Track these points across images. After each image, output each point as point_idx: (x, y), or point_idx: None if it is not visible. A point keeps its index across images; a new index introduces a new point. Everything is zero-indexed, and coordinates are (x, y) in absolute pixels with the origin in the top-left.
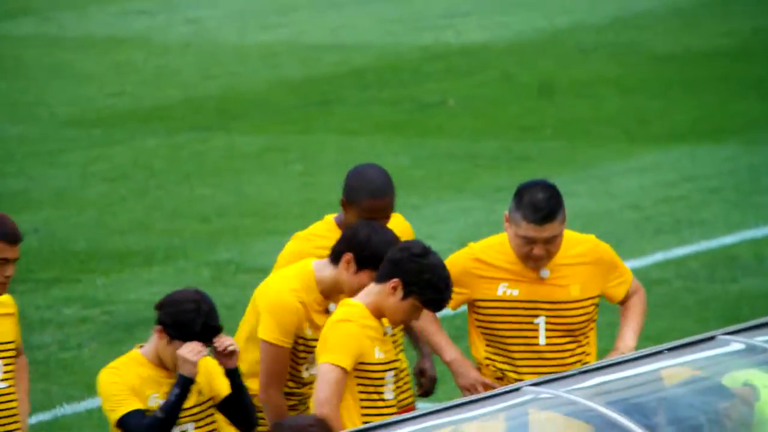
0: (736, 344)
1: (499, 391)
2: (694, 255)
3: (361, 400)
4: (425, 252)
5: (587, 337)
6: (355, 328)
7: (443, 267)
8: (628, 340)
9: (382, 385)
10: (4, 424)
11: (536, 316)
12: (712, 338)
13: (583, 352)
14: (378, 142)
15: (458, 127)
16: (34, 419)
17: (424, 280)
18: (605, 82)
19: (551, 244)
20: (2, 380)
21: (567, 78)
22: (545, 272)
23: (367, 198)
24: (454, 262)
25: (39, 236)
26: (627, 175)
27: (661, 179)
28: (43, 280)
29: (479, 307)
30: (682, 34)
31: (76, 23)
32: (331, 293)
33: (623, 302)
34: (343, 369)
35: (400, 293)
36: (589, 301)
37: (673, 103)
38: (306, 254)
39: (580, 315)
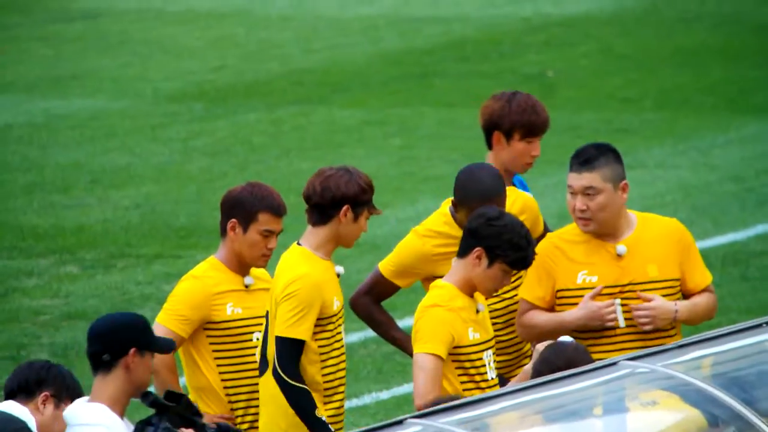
0: None
1: (596, 366)
2: None
3: (463, 383)
4: (500, 214)
5: (673, 327)
6: (444, 312)
7: (521, 225)
8: (680, 303)
9: (483, 366)
10: None
11: (613, 300)
12: None
13: (667, 337)
14: (477, 114)
15: (559, 99)
16: None
17: (505, 242)
18: (706, 52)
19: (590, 199)
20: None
21: (668, 48)
22: (622, 248)
23: (477, 201)
24: (540, 256)
25: (140, 211)
26: (728, 147)
27: (762, 150)
28: (143, 256)
29: (560, 297)
30: None
31: None
32: None
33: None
34: (438, 357)
35: (485, 261)
36: (669, 283)
37: None
38: (424, 255)
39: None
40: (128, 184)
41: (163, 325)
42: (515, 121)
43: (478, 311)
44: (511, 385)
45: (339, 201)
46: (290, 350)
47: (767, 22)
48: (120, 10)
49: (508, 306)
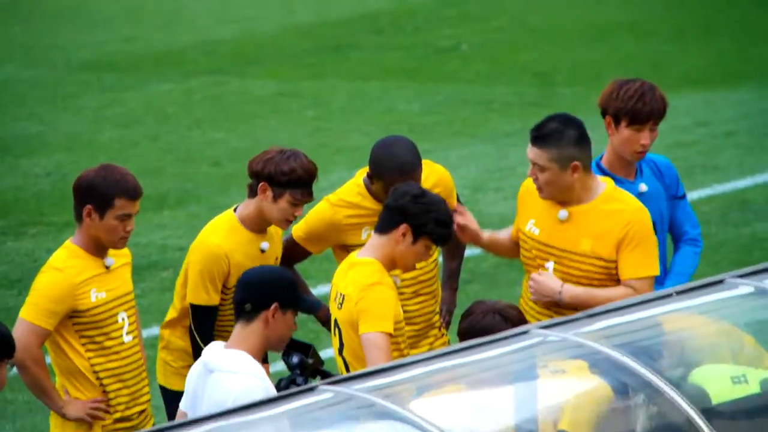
0: (745, 287)
1: (508, 334)
2: (706, 199)
3: (396, 358)
4: (423, 191)
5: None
6: (387, 289)
7: (443, 201)
8: (568, 287)
9: (405, 339)
10: (133, 377)
11: (547, 260)
12: (720, 281)
13: None
14: (391, 87)
15: (471, 73)
16: None
17: (431, 219)
18: (618, 27)
19: (540, 171)
20: (127, 333)
21: (580, 23)
22: (563, 213)
23: (393, 175)
24: (520, 191)
25: (51, 179)
26: None
27: (674, 124)
28: (54, 224)
29: (518, 237)
30: None
31: None
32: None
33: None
34: (390, 335)
35: (409, 238)
36: (601, 262)
37: (687, 48)
38: (335, 224)
39: (589, 272)
40: (39, 152)
41: (28, 320)
42: (620, 107)
43: (396, 285)
44: (423, 353)
45: (255, 177)
46: (194, 313)
47: None
48: None
49: (417, 276)
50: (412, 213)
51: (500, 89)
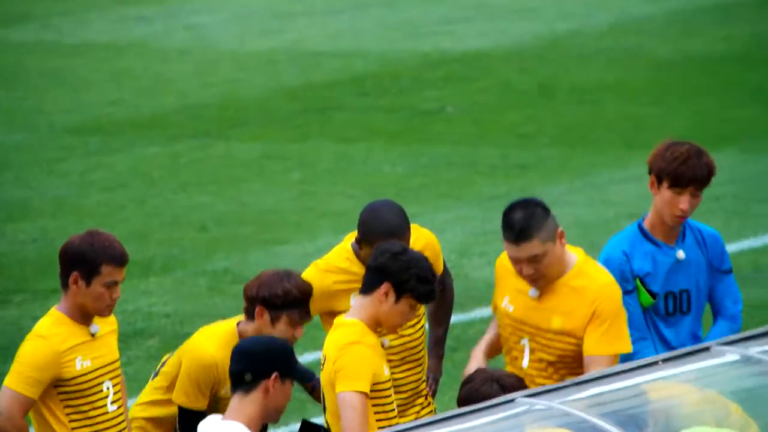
0: (731, 355)
1: (494, 403)
2: None
3: (379, 420)
4: (404, 249)
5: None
6: (365, 349)
7: (425, 258)
8: None
9: (392, 402)
10: None
11: (522, 337)
12: (707, 349)
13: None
14: (376, 149)
15: (457, 135)
16: None
17: (413, 276)
18: (604, 89)
19: (537, 263)
20: (112, 402)
21: (566, 85)
22: (534, 292)
23: (381, 238)
24: (496, 265)
25: (37, 246)
26: (625, 183)
27: None
28: (40, 291)
29: (497, 314)
30: (681, 40)
31: (75, 30)
32: None
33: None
34: (365, 395)
35: (392, 297)
36: (573, 340)
37: (671, 110)
38: (324, 290)
39: (561, 350)
40: (24, 218)
41: (12, 389)
42: (662, 168)
43: (384, 346)
44: (409, 422)
45: (250, 301)
46: (181, 415)
47: (664, 60)
48: (16, 41)
49: (405, 343)
50: (392, 270)
51: (485, 151)
